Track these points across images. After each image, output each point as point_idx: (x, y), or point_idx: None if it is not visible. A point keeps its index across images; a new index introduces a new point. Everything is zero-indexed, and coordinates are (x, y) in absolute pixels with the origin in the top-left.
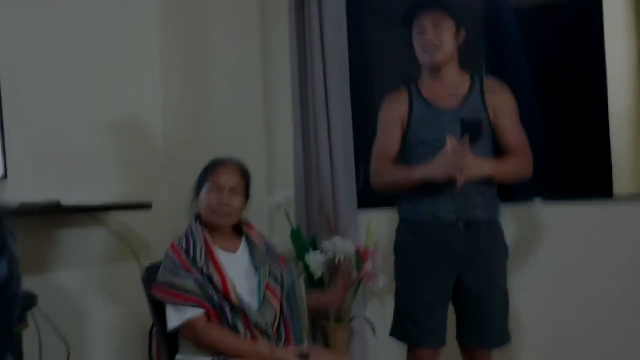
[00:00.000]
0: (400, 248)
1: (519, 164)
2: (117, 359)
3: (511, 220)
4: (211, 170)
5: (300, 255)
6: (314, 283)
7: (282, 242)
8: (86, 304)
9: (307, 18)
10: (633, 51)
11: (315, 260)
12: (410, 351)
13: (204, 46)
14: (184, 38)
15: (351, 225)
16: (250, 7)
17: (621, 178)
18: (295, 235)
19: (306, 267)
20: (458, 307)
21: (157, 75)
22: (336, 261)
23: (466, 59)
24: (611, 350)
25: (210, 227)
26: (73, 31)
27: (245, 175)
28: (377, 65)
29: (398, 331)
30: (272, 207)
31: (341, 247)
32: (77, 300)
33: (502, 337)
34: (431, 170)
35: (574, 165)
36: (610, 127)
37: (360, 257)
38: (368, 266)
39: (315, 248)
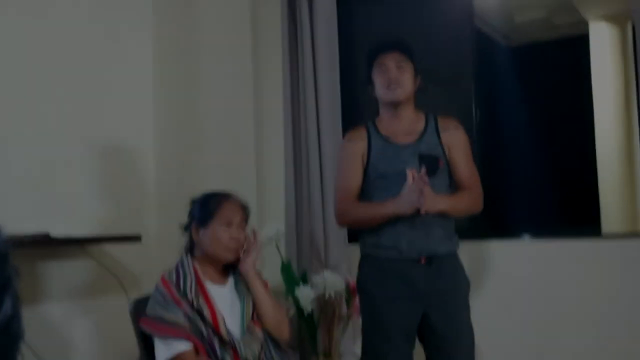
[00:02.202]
0: (363, 284)
1: (471, 200)
2: None
3: (468, 255)
4: (217, 204)
5: (290, 289)
6: (303, 317)
7: (272, 276)
8: (73, 336)
9: (301, 50)
10: (619, 90)
11: (305, 295)
12: None
13: (197, 76)
14: (177, 68)
15: (341, 259)
16: (243, 40)
17: (610, 217)
18: (286, 269)
19: (296, 302)
20: (425, 344)
21: (149, 104)
22: (326, 296)
23: (456, 97)
24: None
25: (204, 260)
26: (62, 61)
27: (247, 210)
28: (367, 98)
29: None
30: (263, 241)
31: (331, 281)
32: (63, 332)
33: None
34: (397, 205)
35: (563, 203)
36: (598, 165)
37: (350, 291)
38: (358, 301)
39: (305, 282)
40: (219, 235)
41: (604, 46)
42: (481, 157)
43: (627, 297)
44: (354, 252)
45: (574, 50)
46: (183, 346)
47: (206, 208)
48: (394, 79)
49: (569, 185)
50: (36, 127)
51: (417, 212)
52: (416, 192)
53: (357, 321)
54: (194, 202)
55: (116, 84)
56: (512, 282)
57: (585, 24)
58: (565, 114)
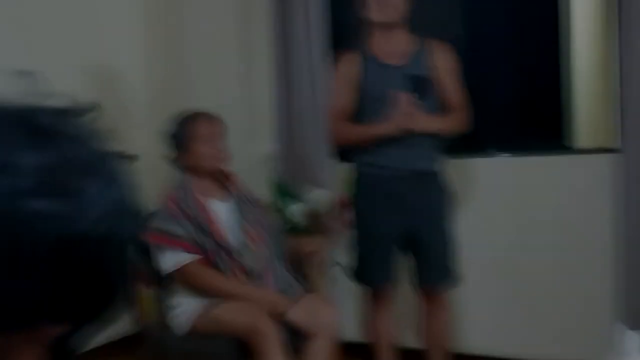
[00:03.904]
0: (356, 199)
1: (460, 120)
2: None
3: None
4: (191, 124)
5: (282, 206)
6: (294, 233)
7: (264, 193)
8: None
9: None
10: (597, 6)
11: (296, 210)
12: (368, 291)
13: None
14: None
15: (331, 176)
16: None
17: (580, 133)
18: (277, 185)
19: (287, 217)
20: (412, 254)
21: (140, 23)
22: (316, 211)
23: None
24: (551, 287)
25: (200, 179)
26: None
27: (220, 121)
28: (360, 18)
29: (355, 274)
30: (253, 158)
31: (320, 197)
32: None
33: (452, 277)
34: (387, 127)
35: (531, 119)
36: (574, 79)
37: (340, 207)
38: (347, 215)
39: (296, 199)
40: (203, 151)
41: None
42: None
43: (596, 209)
44: (344, 170)
45: None
46: (186, 257)
47: (183, 132)
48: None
49: (541, 101)
50: (26, 52)
51: (407, 132)
52: (406, 114)
53: (346, 235)
54: (169, 133)
55: (108, 9)
56: (491, 196)
57: None
58: (541, 24)
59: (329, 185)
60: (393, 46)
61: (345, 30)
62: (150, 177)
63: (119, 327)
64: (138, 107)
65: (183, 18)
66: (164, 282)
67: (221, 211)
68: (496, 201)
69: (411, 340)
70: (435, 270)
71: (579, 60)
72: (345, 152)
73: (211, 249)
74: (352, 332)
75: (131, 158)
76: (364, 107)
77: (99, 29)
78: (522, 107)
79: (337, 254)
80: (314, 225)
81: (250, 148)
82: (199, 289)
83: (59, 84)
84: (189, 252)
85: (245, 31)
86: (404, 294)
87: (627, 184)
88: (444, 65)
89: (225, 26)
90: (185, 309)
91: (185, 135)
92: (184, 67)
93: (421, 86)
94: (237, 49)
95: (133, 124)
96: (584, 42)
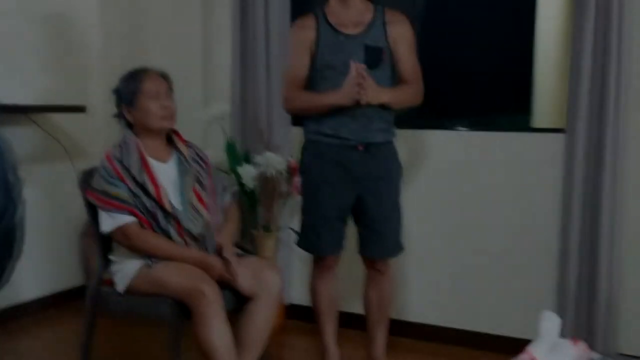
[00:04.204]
0: (305, 167)
1: (413, 93)
2: (49, 256)
3: (404, 143)
4: (138, 80)
5: (233, 167)
6: (246, 194)
7: (217, 154)
8: None
9: None
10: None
11: (248, 173)
12: (313, 258)
13: None
14: None
15: (284, 140)
16: None
17: (542, 113)
18: (229, 147)
19: (238, 178)
20: (358, 224)
21: None
22: (267, 174)
23: None
24: (497, 261)
25: (146, 137)
26: None
27: (168, 79)
28: None
29: (302, 242)
30: (208, 119)
31: (273, 161)
32: None
33: (397, 248)
34: (338, 97)
35: (499, 95)
36: (536, 58)
37: (291, 171)
38: (297, 180)
39: (248, 161)
40: (149, 108)
41: None
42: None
43: (545, 186)
44: (297, 135)
45: None
46: (126, 218)
47: (129, 88)
48: None
49: (504, 77)
50: None
51: (357, 103)
52: (356, 85)
53: (295, 199)
54: (116, 88)
55: None
56: (443, 170)
57: None
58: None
59: (281, 149)
60: (350, 15)
61: None
62: (103, 132)
63: (68, 278)
64: (91, 59)
65: None
66: (105, 238)
67: (165, 171)
68: (448, 174)
69: (355, 306)
70: (380, 241)
71: (545, 43)
72: (298, 117)
73: (152, 210)
74: (297, 295)
75: (79, 109)
76: (317, 75)
77: None
78: (489, 84)
79: (289, 219)
80: (265, 188)
81: (205, 108)
82: (137, 250)
83: (12, 32)
84: (127, 213)
85: None
86: (350, 261)
87: (569, 162)
88: (400, 36)
89: None
90: (125, 267)
91: (132, 90)
92: (141, 23)
93: (375, 56)
94: (197, 7)
95: (86, 76)
96: (549, 26)
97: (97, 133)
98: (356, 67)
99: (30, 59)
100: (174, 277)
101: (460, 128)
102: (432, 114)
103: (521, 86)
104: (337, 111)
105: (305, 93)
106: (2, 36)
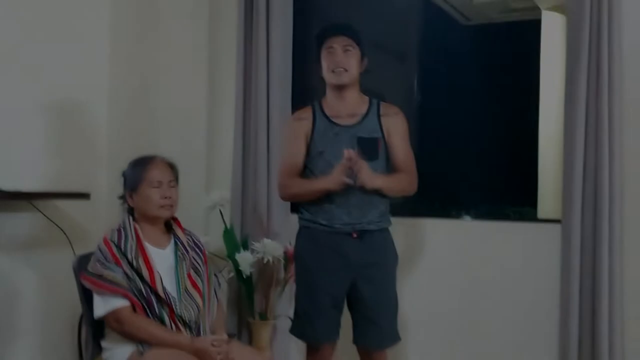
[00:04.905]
0: (299, 253)
1: (406, 181)
2: (46, 342)
3: (401, 231)
4: (143, 167)
5: (231, 254)
6: (242, 280)
7: (216, 240)
8: (18, 287)
9: (256, 25)
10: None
11: (245, 259)
12: (308, 347)
13: (155, 40)
14: (133, 30)
15: (283, 227)
16: (201, 8)
17: (546, 203)
18: (228, 234)
19: (235, 265)
20: (353, 312)
21: (104, 63)
22: (265, 261)
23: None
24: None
25: (145, 223)
26: (15, 17)
27: (174, 169)
28: (317, 78)
29: (295, 329)
30: (209, 206)
31: (270, 247)
32: (9, 282)
33: (393, 337)
34: (327, 182)
35: (503, 185)
36: (540, 151)
37: (288, 258)
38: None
39: (246, 247)
40: (150, 196)
41: (553, 34)
42: (421, 136)
43: (543, 276)
44: (295, 222)
45: (527, 35)
46: (120, 302)
47: (135, 174)
48: (340, 62)
49: (510, 168)
50: None
51: (348, 187)
52: (346, 171)
53: (293, 286)
54: (124, 172)
55: (71, 41)
56: (443, 258)
57: (539, 10)
58: (512, 96)
59: (280, 236)
60: (345, 107)
61: (306, 87)
62: (106, 219)
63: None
64: (98, 146)
65: (150, 60)
66: (98, 324)
67: (162, 257)
68: (444, 262)
69: None
70: (374, 330)
71: (548, 132)
72: (295, 204)
73: (146, 295)
74: None
75: (83, 196)
76: (313, 163)
77: (63, 65)
78: (495, 175)
79: (286, 307)
80: (262, 275)
81: (206, 195)
82: (129, 335)
83: (18, 117)
84: (121, 296)
85: (212, 82)
86: (345, 350)
87: (565, 253)
88: (393, 127)
89: (191, 72)
90: (116, 353)
91: (136, 177)
92: (149, 112)
93: (369, 147)
94: (203, 99)
95: (92, 162)
96: (552, 116)
97: (101, 220)
98: (348, 152)
99: (35, 144)
100: None
101: (467, 217)
102: (438, 203)
103: (527, 178)
104: (330, 203)
105: (299, 180)
106: (8, 121)
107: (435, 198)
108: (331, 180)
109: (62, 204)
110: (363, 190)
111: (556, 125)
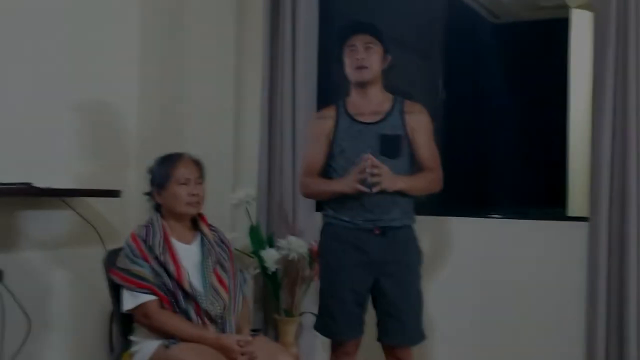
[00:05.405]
0: (323, 250)
1: (430, 180)
2: (77, 337)
3: (428, 230)
4: (170, 165)
5: (256, 251)
6: (268, 277)
7: (242, 237)
8: (50, 283)
9: (282, 25)
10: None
11: (270, 256)
12: (332, 343)
13: (183, 42)
14: (163, 29)
15: (308, 225)
16: (228, 10)
17: (575, 201)
18: (253, 231)
19: (261, 261)
20: (377, 309)
21: (135, 62)
22: (290, 258)
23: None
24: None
25: (171, 219)
26: (48, 17)
27: (200, 166)
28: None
29: (319, 326)
30: (235, 203)
31: (295, 245)
32: (41, 278)
33: (417, 335)
34: (341, 185)
35: (533, 185)
36: (569, 149)
37: (313, 255)
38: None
39: (271, 245)
40: (178, 194)
41: (582, 32)
42: (448, 134)
43: (569, 274)
44: (320, 220)
45: (555, 33)
46: (147, 297)
47: (162, 171)
48: (362, 60)
49: (538, 167)
50: (24, 83)
51: (362, 193)
52: (362, 176)
53: (318, 283)
54: (150, 169)
55: (103, 41)
56: (470, 256)
57: (567, 9)
58: (540, 95)
59: (305, 234)
60: (369, 105)
61: (333, 86)
62: (137, 216)
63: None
64: (129, 144)
65: (179, 62)
66: (127, 319)
67: (188, 253)
68: (471, 261)
69: None
70: (399, 328)
71: (577, 131)
72: (320, 202)
73: (173, 290)
74: None
75: (114, 194)
76: (334, 162)
77: (96, 68)
78: (525, 174)
79: (312, 303)
80: (287, 272)
81: (232, 192)
82: (156, 329)
83: (51, 116)
84: (148, 291)
85: (238, 81)
86: (370, 347)
87: (593, 250)
88: (418, 125)
89: (218, 72)
90: (143, 347)
91: (164, 174)
92: (178, 111)
93: (392, 145)
94: (230, 98)
95: (123, 161)
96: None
97: (131, 217)
98: (368, 158)
99: (68, 144)
100: (190, 358)
101: (495, 215)
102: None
103: (555, 177)
104: (353, 200)
105: (319, 179)
106: (42, 122)
107: (462, 197)
108: (345, 184)
109: (93, 201)
110: (384, 191)
111: (585, 123)
